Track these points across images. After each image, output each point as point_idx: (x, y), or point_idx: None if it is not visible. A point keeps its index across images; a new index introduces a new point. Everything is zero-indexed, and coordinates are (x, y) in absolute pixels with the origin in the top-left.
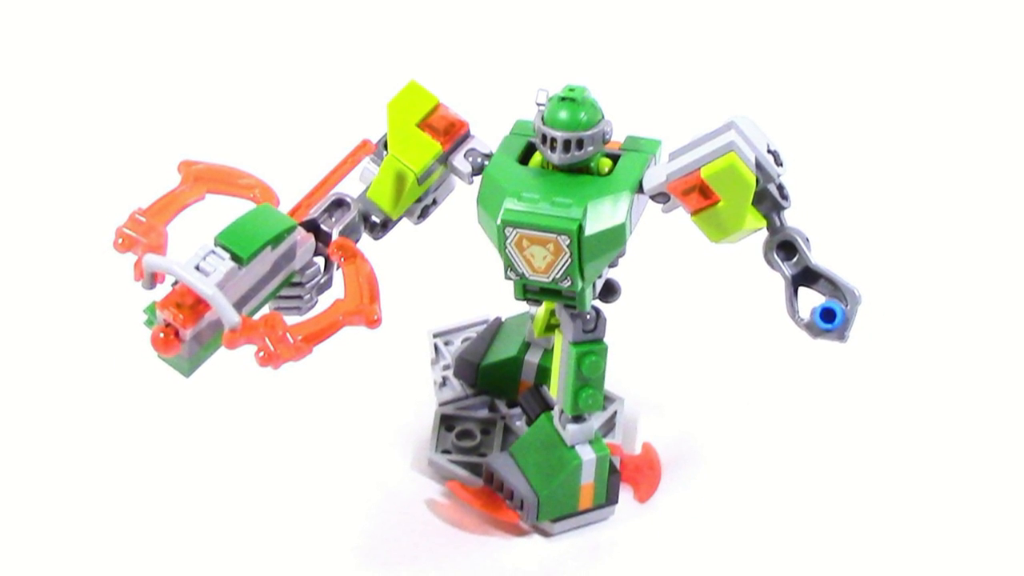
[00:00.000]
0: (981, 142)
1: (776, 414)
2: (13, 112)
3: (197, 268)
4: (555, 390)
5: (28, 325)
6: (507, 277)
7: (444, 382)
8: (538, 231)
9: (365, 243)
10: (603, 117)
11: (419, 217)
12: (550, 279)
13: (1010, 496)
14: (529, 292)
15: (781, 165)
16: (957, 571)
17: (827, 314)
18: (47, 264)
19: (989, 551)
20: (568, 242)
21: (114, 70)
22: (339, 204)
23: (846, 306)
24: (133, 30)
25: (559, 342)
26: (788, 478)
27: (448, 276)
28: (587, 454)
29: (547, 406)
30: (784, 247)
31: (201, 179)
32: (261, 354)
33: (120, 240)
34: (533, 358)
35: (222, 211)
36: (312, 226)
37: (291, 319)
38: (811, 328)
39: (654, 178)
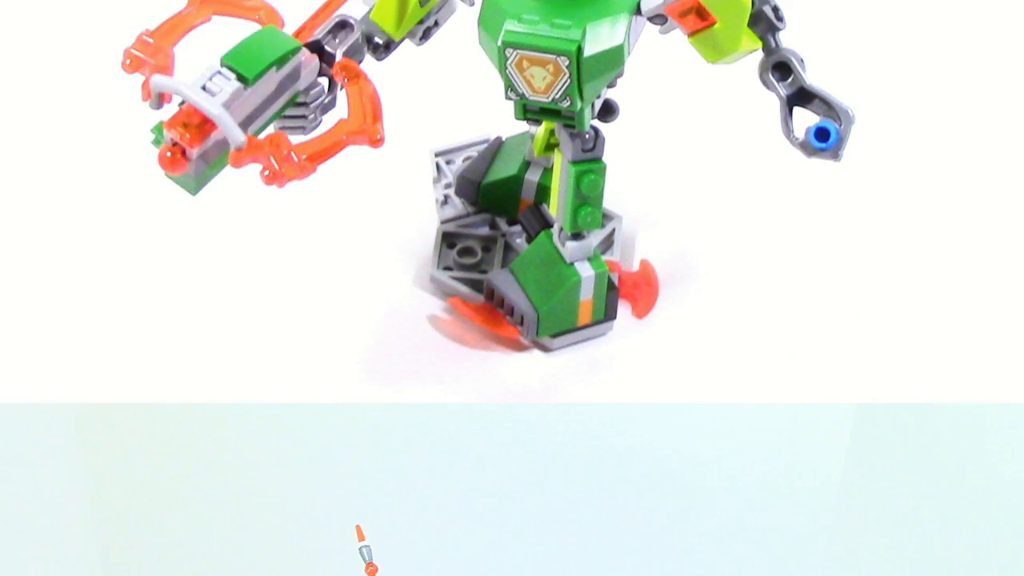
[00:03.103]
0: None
1: (770, 230)
2: None
3: (203, 88)
4: (555, 208)
5: (38, 153)
6: (507, 97)
7: (446, 200)
8: (538, 52)
9: (368, 64)
10: None
11: (421, 39)
12: (550, 99)
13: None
14: (529, 112)
15: None
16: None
17: (821, 133)
18: (54, 88)
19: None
20: (567, 63)
21: None
22: (343, 26)
23: (840, 125)
24: None
25: (558, 161)
26: (781, 292)
27: (449, 96)
28: (586, 271)
29: (547, 224)
30: (779, 68)
31: (207, 1)
32: (266, 173)
33: (128, 61)
34: (533, 177)
35: (228, 33)
36: (316, 47)
37: (296, 138)
38: (805, 147)
39: (652, 0)
